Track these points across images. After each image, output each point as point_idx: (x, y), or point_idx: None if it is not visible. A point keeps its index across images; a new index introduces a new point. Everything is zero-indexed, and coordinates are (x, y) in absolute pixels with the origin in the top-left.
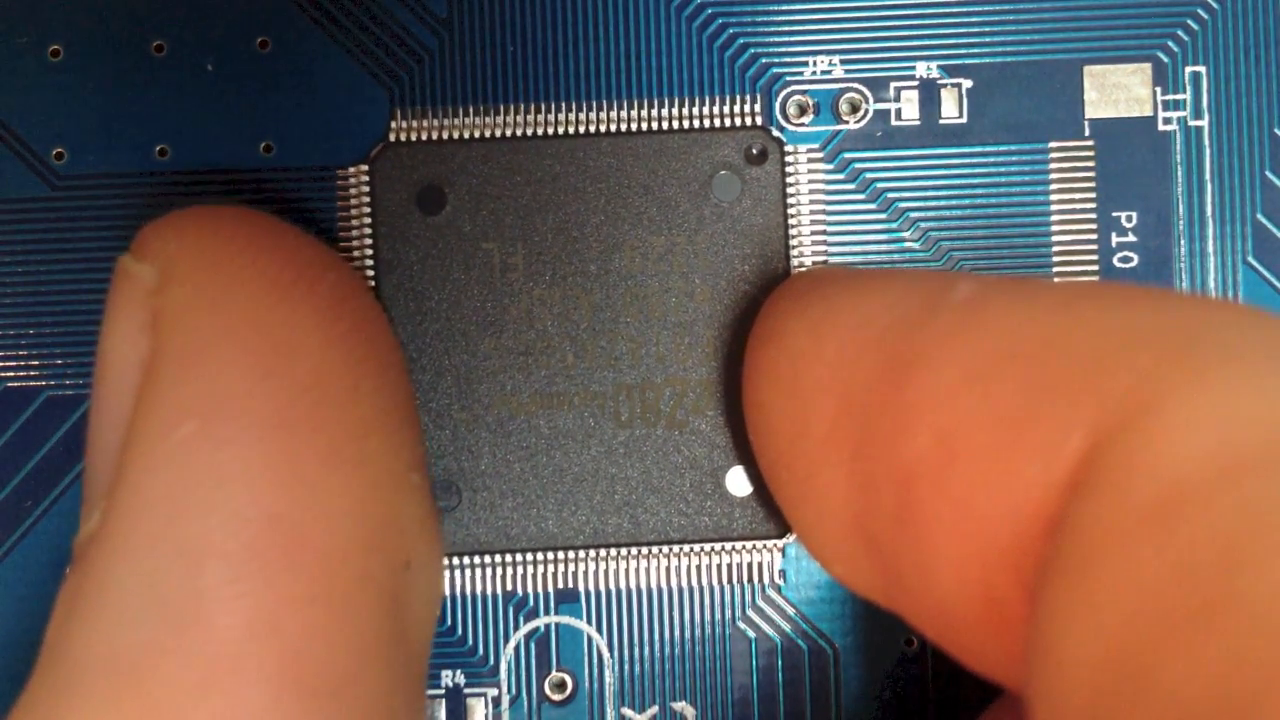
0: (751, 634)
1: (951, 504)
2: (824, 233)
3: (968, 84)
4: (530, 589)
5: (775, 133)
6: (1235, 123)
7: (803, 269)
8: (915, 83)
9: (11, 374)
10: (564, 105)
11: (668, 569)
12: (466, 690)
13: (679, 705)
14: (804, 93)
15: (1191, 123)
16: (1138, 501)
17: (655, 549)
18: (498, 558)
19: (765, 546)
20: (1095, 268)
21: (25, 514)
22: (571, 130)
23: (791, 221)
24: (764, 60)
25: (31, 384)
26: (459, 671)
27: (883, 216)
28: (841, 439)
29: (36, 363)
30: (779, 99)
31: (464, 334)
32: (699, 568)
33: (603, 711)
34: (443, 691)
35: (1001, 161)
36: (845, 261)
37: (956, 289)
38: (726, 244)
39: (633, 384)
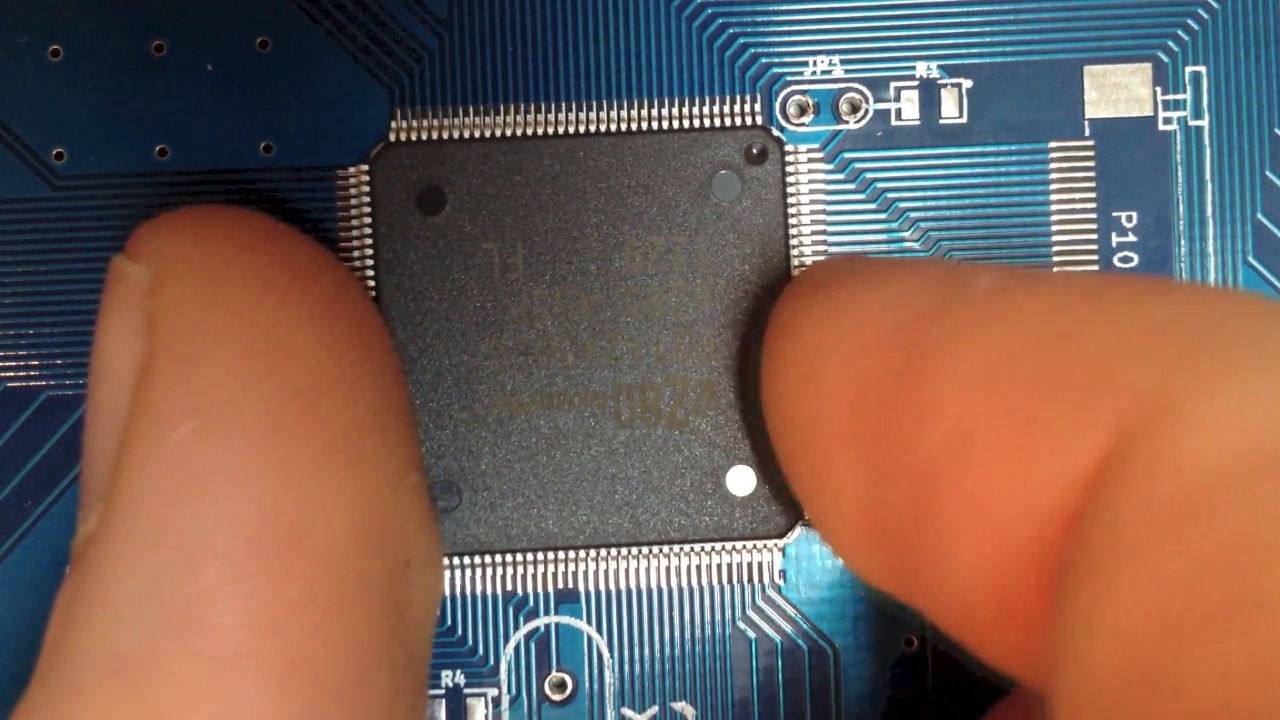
0: (752, 634)
1: (969, 499)
2: (824, 233)
3: (968, 84)
4: (530, 589)
5: (775, 132)
6: (1235, 123)
7: (815, 262)
8: (915, 83)
9: (11, 374)
10: (564, 105)
11: (668, 569)
12: (466, 690)
13: (679, 705)
14: (804, 93)
15: (1191, 123)
16: (1161, 500)
17: (655, 549)
18: (498, 557)
19: (765, 546)
20: (1095, 268)
21: (25, 514)
22: (571, 130)
23: (791, 221)
24: (764, 60)
25: (31, 384)
26: (459, 671)
27: (883, 216)
28: (858, 432)
29: (36, 363)
30: (779, 99)
31: (464, 334)
32: (699, 568)
33: (603, 711)
34: (443, 691)
35: (1001, 161)
36: None
37: (976, 281)
38: (727, 243)
39: (633, 384)
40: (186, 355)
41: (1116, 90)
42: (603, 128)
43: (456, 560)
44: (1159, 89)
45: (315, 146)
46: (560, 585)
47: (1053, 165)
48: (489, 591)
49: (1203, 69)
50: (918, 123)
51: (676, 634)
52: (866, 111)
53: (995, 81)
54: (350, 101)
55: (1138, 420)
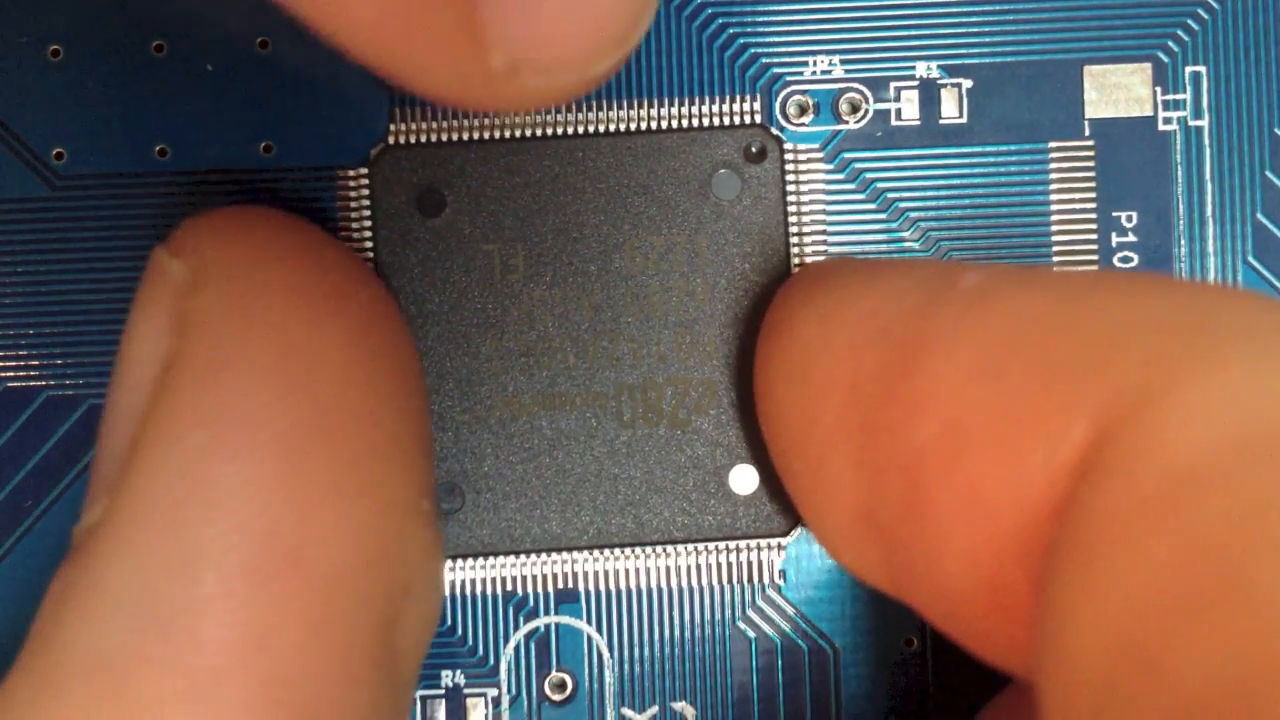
0: (751, 634)
1: (959, 492)
2: (824, 233)
3: (968, 84)
4: (530, 589)
5: (774, 131)
6: (1235, 123)
7: (808, 263)
8: (915, 83)
9: (11, 374)
10: (563, 105)
11: (668, 569)
12: (466, 690)
13: (679, 705)
14: (804, 93)
15: (1191, 123)
16: (1145, 487)
17: (654, 548)
18: (497, 556)
19: (765, 545)
20: (1095, 268)
21: (25, 514)
22: (571, 131)
23: (791, 220)
24: (764, 60)
25: (31, 384)
26: (459, 671)
27: (883, 216)
28: (850, 428)
29: (36, 363)
30: (779, 99)
31: (465, 336)
32: (699, 567)
33: (603, 711)
34: (443, 691)
35: (1001, 161)
36: None
37: (964, 278)
38: (727, 243)
39: (634, 384)
40: (211, 362)
41: (1116, 90)
42: (602, 128)
43: (459, 562)
44: (1159, 89)
45: (315, 147)
46: (560, 585)
47: (1053, 165)
48: (489, 591)
49: (1203, 69)
50: (918, 123)
51: (676, 634)
52: (866, 111)
53: (995, 81)
54: (350, 102)
55: (1122, 409)
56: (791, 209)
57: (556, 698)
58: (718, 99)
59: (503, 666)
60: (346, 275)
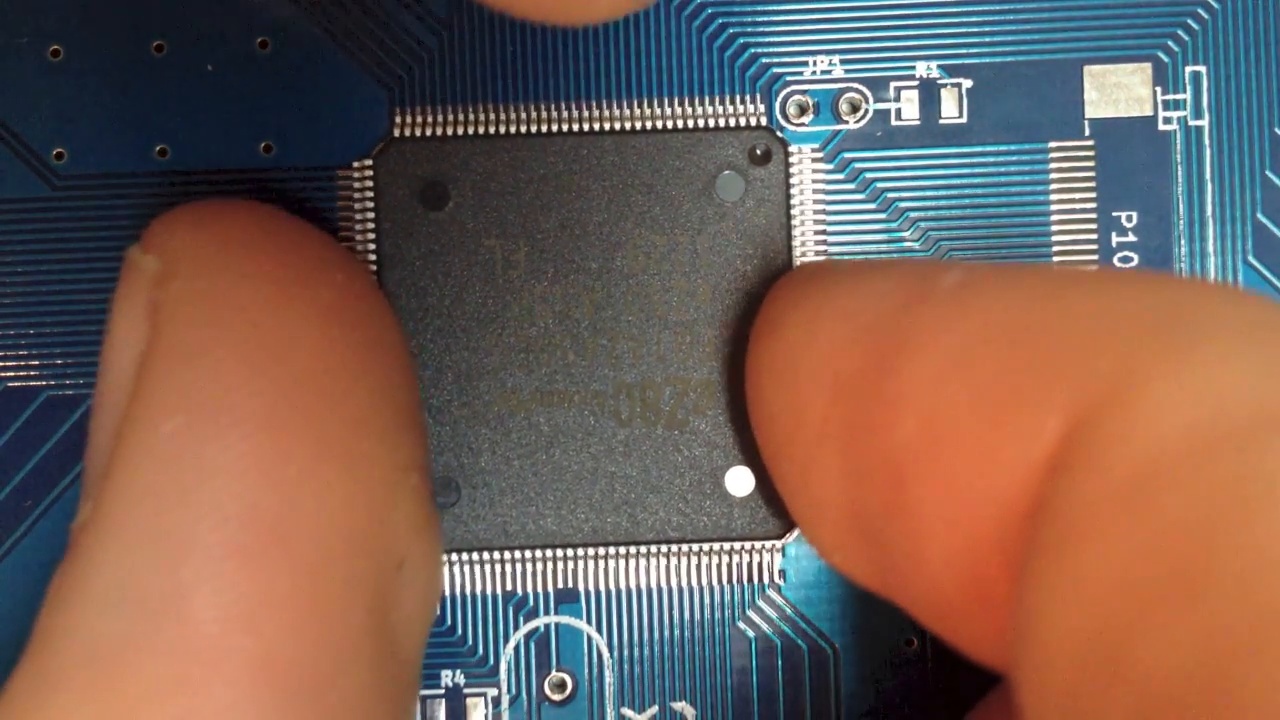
0: (751, 634)
1: (938, 488)
2: (824, 233)
3: (968, 84)
4: (530, 588)
5: (779, 134)
6: (1235, 123)
7: (796, 266)
8: (915, 83)
9: (11, 374)
10: (564, 104)
11: (668, 569)
12: (466, 690)
13: (679, 705)
14: (804, 93)
15: (1191, 123)
16: (1114, 479)
17: (655, 548)
18: (497, 555)
19: (765, 547)
20: (1102, 268)
21: (25, 514)
22: (575, 128)
23: (794, 222)
24: (764, 60)
25: (31, 384)
26: (459, 671)
27: (883, 216)
28: (835, 428)
29: (36, 363)
30: (779, 99)
31: (465, 330)
32: (699, 567)
33: (603, 711)
34: (442, 691)
35: (1001, 161)
36: None
37: (944, 277)
38: (729, 244)
39: (633, 383)
40: (183, 348)
41: (1116, 90)
42: (606, 126)
43: (455, 557)
44: (1159, 89)
45: (315, 146)
46: (560, 585)
47: (1053, 165)
48: (489, 591)
49: (1203, 69)
50: (918, 123)
51: (676, 634)
52: (866, 111)
53: (995, 81)
54: (350, 101)
55: (1094, 403)
56: (794, 211)
57: (556, 698)
58: (719, 99)
59: (503, 666)
60: (318, 256)
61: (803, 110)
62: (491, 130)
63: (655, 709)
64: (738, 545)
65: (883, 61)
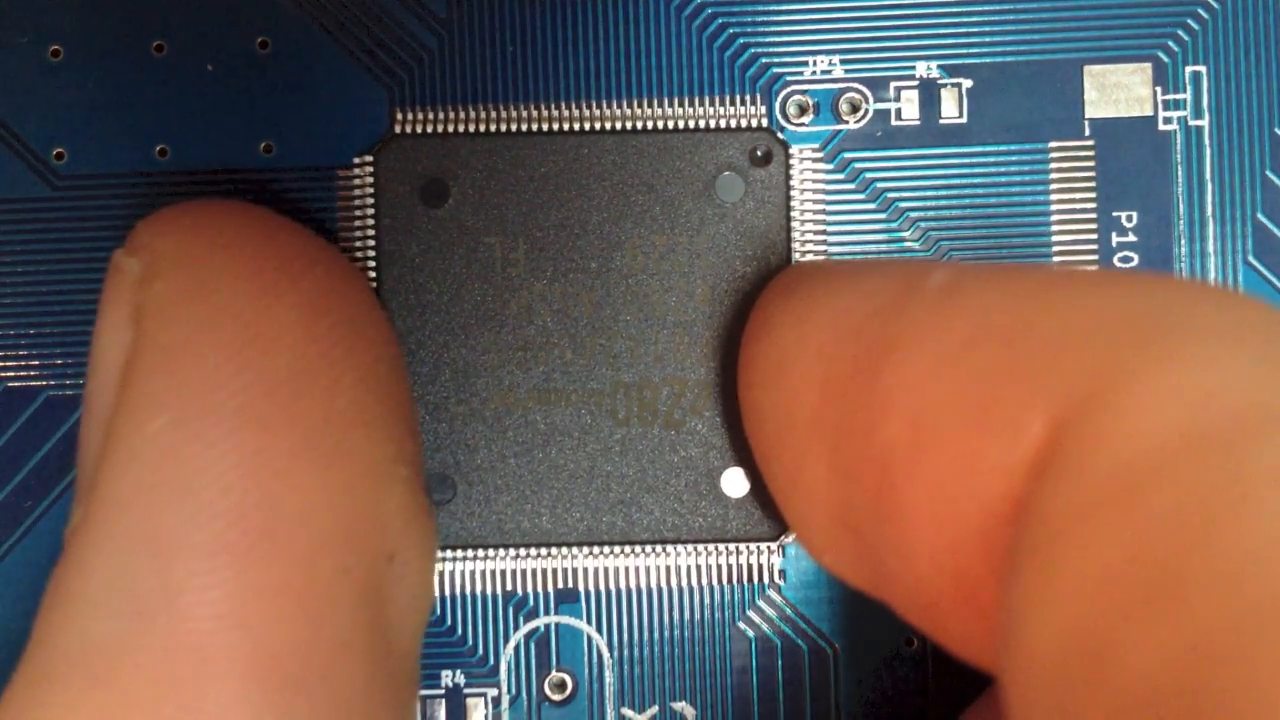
0: (751, 634)
1: (924, 489)
2: (824, 233)
3: (968, 84)
4: (530, 589)
5: (780, 135)
6: (1235, 123)
7: (789, 267)
8: (915, 83)
9: (11, 374)
10: (565, 104)
11: (668, 569)
12: (466, 690)
13: (679, 705)
14: (804, 93)
15: (1192, 123)
16: (1098, 482)
17: (655, 548)
18: (497, 555)
19: (765, 547)
20: (1095, 268)
21: (25, 514)
22: (575, 127)
23: (794, 222)
24: (764, 60)
25: (31, 384)
26: (459, 671)
27: (883, 216)
28: (824, 429)
29: (36, 363)
30: (779, 99)
31: (463, 328)
32: (699, 568)
33: (603, 711)
34: (442, 691)
35: (1001, 161)
36: None
37: (933, 277)
38: (728, 244)
39: (631, 382)
40: (167, 347)
41: (1116, 90)
42: (606, 126)
43: (455, 556)
44: (1159, 89)
45: (315, 146)
46: (560, 585)
47: (1053, 165)
48: (489, 591)
49: (1203, 69)
50: (918, 123)
51: (676, 634)
52: (866, 111)
53: (995, 81)
54: (350, 101)
55: (1078, 405)
56: (794, 211)
57: (556, 698)
58: (719, 99)
59: (503, 666)
60: (300, 252)
61: (803, 110)
62: (493, 128)
63: (655, 709)
64: (738, 545)
65: (883, 61)
